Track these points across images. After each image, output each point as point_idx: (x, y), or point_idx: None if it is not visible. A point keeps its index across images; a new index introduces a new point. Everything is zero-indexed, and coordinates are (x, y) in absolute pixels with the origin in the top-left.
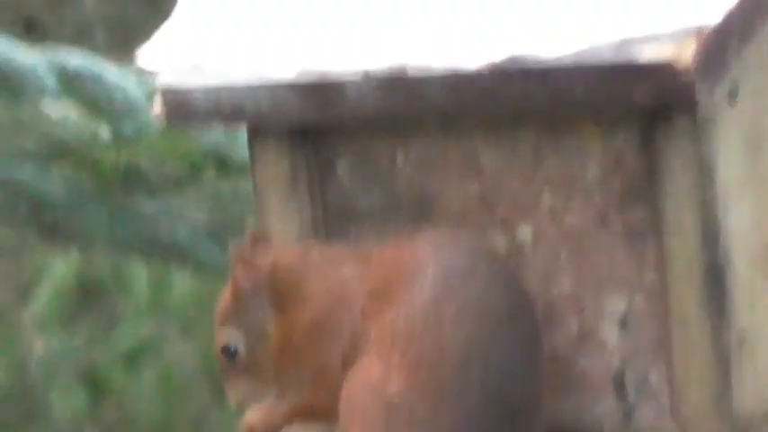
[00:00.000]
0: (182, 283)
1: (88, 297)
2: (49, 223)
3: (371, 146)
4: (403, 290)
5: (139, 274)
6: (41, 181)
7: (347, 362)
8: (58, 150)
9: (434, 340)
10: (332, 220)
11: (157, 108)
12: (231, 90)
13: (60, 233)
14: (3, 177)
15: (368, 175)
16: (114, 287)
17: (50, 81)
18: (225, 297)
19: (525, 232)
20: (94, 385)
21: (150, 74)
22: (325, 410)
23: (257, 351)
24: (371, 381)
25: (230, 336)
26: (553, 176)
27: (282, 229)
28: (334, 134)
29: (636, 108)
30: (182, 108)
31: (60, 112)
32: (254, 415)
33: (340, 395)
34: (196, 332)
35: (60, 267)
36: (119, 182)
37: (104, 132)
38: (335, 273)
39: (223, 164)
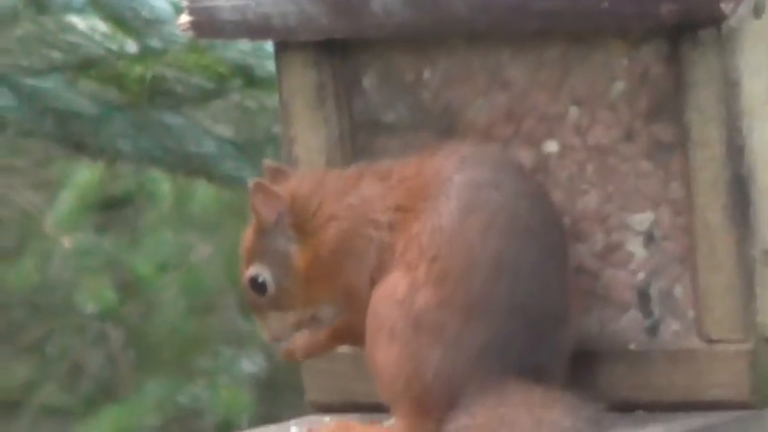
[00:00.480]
0: (205, 194)
1: (113, 206)
2: (74, 136)
3: (398, 59)
4: (429, 203)
5: (163, 185)
6: (67, 94)
7: (375, 278)
8: (85, 64)
9: (462, 253)
10: (358, 133)
11: (184, 21)
12: (258, 3)
13: (86, 146)
14: (29, 91)
15: (394, 88)
16: (139, 197)
17: None
18: (248, 235)
19: (551, 146)
20: (122, 286)
21: None
22: (361, 331)
23: (285, 282)
24: (398, 295)
25: (257, 271)
26: (579, 91)
27: (309, 142)
28: (360, 47)
29: (662, 23)
30: (208, 22)
31: (87, 25)
32: (292, 342)
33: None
34: (221, 241)
35: (85, 175)
36: (145, 95)
37: (131, 46)
38: (356, 192)
39: (249, 77)
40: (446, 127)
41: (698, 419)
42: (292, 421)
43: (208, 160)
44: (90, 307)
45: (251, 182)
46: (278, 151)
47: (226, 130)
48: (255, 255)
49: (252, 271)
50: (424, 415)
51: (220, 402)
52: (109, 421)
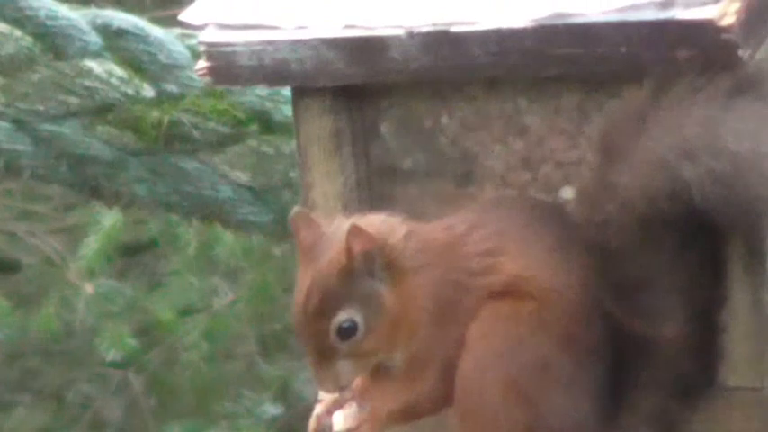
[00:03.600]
0: (229, 239)
1: (135, 252)
2: (90, 181)
3: (415, 105)
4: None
5: (186, 230)
6: (84, 139)
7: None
8: (101, 109)
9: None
10: (375, 180)
11: (201, 67)
12: (275, 48)
13: (102, 191)
14: (45, 135)
15: (412, 134)
16: (162, 243)
17: (93, 39)
18: (324, 278)
19: (568, 193)
20: (144, 333)
21: (194, 32)
22: (436, 400)
23: (373, 325)
24: (508, 340)
25: (349, 315)
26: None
27: (325, 188)
28: (378, 93)
29: (679, 68)
30: (225, 67)
31: (103, 70)
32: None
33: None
34: (243, 287)
35: (108, 221)
36: (161, 140)
37: (147, 91)
38: (436, 241)
39: (266, 122)
40: (463, 173)
41: None
42: None
43: (224, 205)
44: (111, 354)
45: (297, 212)
46: (295, 197)
47: (242, 176)
48: (342, 298)
49: (343, 315)
50: None
51: None
52: None
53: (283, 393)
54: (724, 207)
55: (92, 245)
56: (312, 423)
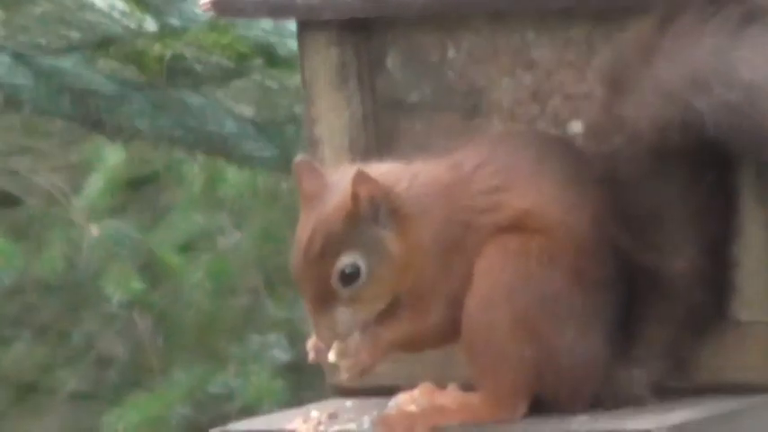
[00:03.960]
0: (236, 176)
1: (140, 187)
2: (92, 116)
3: (422, 38)
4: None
5: (191, 166)
6: (85, 73)
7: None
8: (103, 42)
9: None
10: (381, 113)
11: (205, 0)
12: None
13: (104, 126)
14: (46, 69)
15: (418, 67)
16: (166, 179)
17: None
18: (328, 221)
19: (577, 127)
20: (149, 272)
21: None
22: (439, 335)
23: (377, 271)
24: (517, 276)
25: (352, 259)
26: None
27: (331, 123)
28: (384, 26)
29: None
30: (229, 0)
31: (105, 3)
32: (354, 359)
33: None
34: (249, 223)
35: (112, 158)
36: (164, 75)
37: (150, 24)
38: (440, 182)
39: (270, 56)
40: (471, 107)
41: (726, 403)
42: (312, 405)
43: (228, 140)
44: (117, 296)
45: (300, 160)
46: (299, 131)
47: (246, 110)
48: (346, 242)
49: (346, 259)
50: (519, 396)
51: (251, 389)
52: (137, 410)
53: (291, 336)
54: (737, 137)
55: (96, 183)
56: (310, 341)
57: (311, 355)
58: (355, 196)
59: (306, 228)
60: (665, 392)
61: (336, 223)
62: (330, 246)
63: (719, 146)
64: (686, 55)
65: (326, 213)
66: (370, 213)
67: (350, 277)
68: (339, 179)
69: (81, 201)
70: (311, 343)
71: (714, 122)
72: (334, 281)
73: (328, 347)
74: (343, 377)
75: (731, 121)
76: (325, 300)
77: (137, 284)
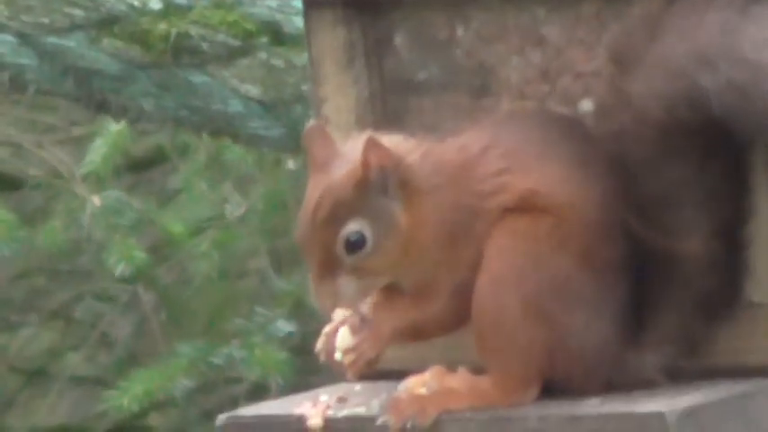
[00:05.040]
0: (240, 150)
1: (144, 163)
2: (96, 95)
3: (430, 17)
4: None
5: (197, 141)
6: (89, 52)
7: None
8: (107, 21)
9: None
10: (389, 93)
11: None
12: None
13: (108, 105)
14: (50, 49)
15: (426, 46)
16: (171, 153)
17: None
18: (338, 188)
19: (587, 105)
20: (153, 248)
21: None
22: (444, 323)
23: (383, 241)
24: (528, 259)
25: (358, 226)
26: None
27: (338, 102)
28: (391, 5)
29: None
30: None
31: None
32: (359, 353)
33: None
34: (256, 198)
35: (116, 130)
36: (169, 53)
37: (154, 2)
38: (450, 165)
39: (277, 34)
40: (480, 86)
41: (739, 386)
42: (321, 389)
43: (234, 120)
44: (120, 268)
45: (311, 126)
46: (306, 110)
47: (252, 89)
48: (354, 209)
49: (353, 226)
50: (530, 379)
51: (255, 363)
52: (141, 384)
53: (297, 310)
54: (741, 117)
55: (98, 150)
56: (320, 341)
57: (321, 357)
58: (365, 163)
59: (314, 193)
60: (678, 375)
61: (345, 190)
62: (337, 212)
63: (727, 125)
64: (693, 31)
65: (336, 180)
66: (380, 182)
67: (355, 245)
68: (351, 147)
69: (82, 169)
70: (321, 343)
71: (719, 101)
72: (339, 248)
73: (328, 315)
74: (348, 375)
75: (735, 100)
76: (328, 267)
77: (140, 255)
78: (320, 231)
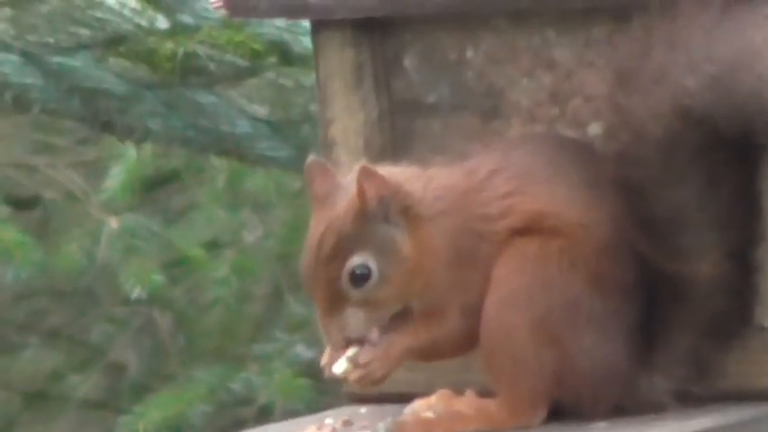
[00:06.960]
0: (259, 173)
1: (160, 185)
2: (102, 116)
3: (440, 38)
4: (540, 185)
5: (213, 164)
6: (95, 72)
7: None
8: (113, 41)
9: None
10: (398, 114)
11: (216, 0)
12: None
13: (114, 126)
14: (55, 69)
15: (436, 67)
16: (187, 175)
17: None
18: (338, 221)
19: (597, 128)
20: (170, 270)
21: None
22: (453, 345)
23: (389, 272)
24: (537, 282)
25: (363, 259)
26: None
27: (346, 124)
28: (401, 26)
29: None
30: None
31: (115, 1)
32: (365, 370)
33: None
34: (273, 222)
35: (133, 152)
36: (176, 73)
37: (161, 22)
38: (454, 188)
39: (285, 54)
40: (489, 108)
41: (749, 410)
42: (327, 412)
43: (241, 140)
44: (137, 291)
45: (311, 161)
46: (314, 131)
47: (260, 110)
48: (357, 242)
49: (357, 260)
50: (538, 402)
51: (275, 389)
52: (157, 410)
53: (314, 335)
54: (723, 111)
55: (117, 177)
56: (325, 356)
57: (326, 371)
58: (361, 192)
59: (317, 229)
60: (687, 399)
61: (346, 223)
62: (340, 247)
63: (711, 126)
64: (680, 38)
65: (337, 214)
66: (380, 211)
67: (360, 278)
68: (350, 180)
69: (101, 195)
70: (326, 359)
71: (702, 99)
72: (345, 282)
73: (338, 352)
74: (353, 388)
75: (716, 94)
76: (335, 302)
77: (156, 277)
78: (324, 267)
